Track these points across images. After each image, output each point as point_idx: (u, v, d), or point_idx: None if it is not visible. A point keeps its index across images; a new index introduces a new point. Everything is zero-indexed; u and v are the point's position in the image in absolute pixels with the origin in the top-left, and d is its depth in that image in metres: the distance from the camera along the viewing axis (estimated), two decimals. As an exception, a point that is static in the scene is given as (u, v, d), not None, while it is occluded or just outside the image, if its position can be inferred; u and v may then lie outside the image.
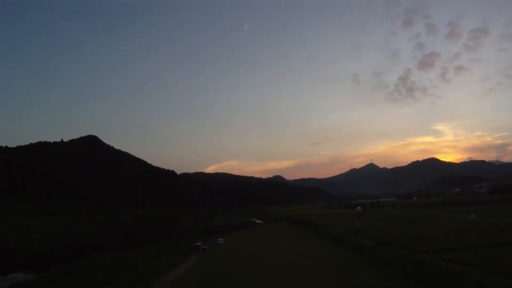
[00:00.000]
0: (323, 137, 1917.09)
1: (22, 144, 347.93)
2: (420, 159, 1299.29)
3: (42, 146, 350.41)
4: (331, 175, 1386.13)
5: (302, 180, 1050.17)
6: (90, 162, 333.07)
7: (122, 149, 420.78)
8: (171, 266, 77.14)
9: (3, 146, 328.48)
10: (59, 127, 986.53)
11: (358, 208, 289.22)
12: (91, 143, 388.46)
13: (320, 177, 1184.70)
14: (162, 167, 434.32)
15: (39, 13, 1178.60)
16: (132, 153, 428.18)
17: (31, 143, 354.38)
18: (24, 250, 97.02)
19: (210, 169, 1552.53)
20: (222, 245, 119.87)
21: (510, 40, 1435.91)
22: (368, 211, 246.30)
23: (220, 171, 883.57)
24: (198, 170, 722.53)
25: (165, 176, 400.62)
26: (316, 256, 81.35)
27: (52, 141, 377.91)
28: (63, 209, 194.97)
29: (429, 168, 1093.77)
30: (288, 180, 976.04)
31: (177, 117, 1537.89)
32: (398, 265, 60.88)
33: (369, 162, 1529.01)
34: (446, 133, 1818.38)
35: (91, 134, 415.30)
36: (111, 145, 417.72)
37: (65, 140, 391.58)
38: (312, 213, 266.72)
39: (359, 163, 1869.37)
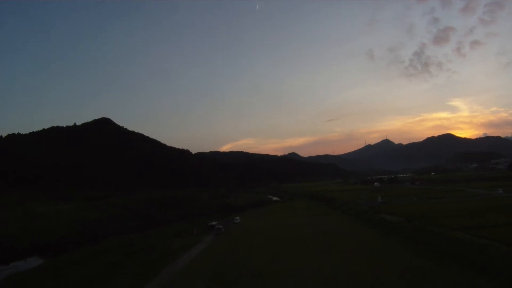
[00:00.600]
0: (338, 113, 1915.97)
1: (35, 130, 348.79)
2: (436, 135, 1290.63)
3: (55, 131, 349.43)
4: (346, 152, 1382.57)
5: (317, 157, 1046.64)
6: (104, 145, 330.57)
7: (136, 131, 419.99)
8: (184, 249, 72.88)
9: (16, 133, 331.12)
10: (72, 111, 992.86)
11: (376, 183, 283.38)
12: (104, 125, 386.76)
13: (335, 154, 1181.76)
14: (177, 147, 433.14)
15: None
16: (146, 134, 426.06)
17: (43, 129, 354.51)
18: (32, 238, 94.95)
19: (226, 148, 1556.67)
20: (239, 224, 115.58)
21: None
22: (387, 187, 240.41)
23: (235, 149, 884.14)
24: (213, 149, 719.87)
25: (180, 156, 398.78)
26: (343, 235, 77.06)
27: (65, 126, 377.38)
28: (77, 194, 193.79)
29: (445, 144, 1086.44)
30: (303, 157, 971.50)
31: (191, 97, 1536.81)
32: (433, 244, 56.79)
33: (384, 138, 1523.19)
34: (461, 108, 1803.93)
35: (104, 116, 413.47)
36: (125, 127, 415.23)
37: (78, 124, 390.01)
38: (330, 189, 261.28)
39: (374, 139, 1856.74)
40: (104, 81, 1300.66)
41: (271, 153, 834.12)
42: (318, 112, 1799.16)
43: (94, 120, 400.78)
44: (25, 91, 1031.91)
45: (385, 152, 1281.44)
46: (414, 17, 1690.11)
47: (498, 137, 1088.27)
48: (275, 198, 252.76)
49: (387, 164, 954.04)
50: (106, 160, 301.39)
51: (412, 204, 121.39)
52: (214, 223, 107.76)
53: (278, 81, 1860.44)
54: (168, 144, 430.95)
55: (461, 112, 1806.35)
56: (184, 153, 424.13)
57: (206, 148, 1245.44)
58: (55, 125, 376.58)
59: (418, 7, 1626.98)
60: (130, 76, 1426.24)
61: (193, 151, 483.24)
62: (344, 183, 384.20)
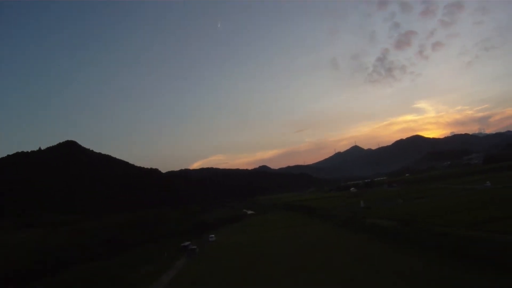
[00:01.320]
0: (307, 123, 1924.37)
1: None
2: (404, 137, 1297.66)
3: (19, 156, 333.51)
4: (316, 161, 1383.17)
5: (288, 168, 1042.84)
6: (70, 169, 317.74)
7: (103, 152, 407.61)
8: (151, 278, 62.68)
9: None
10: (36, 135, 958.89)
11: (352, 189, 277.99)
12: (70, 148, 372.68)
13: (306, 164, 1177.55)
14: (146, 166, 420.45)
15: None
16: (114, 155, 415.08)
17: (8, 155, 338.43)
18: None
19: (196, 165, 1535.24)
20: (215, 242, 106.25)
21: (486, 13, 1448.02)
22: (364, 192, 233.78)
23: (206, 166, 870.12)
24: (184, 167, 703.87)
25: (150, 175, 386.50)
26: (334, 246, 67.69)
27: (29, 151, 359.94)
28: (42, 220, 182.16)
29: (414, 146, 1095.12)
30: (274, 169, 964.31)
31: (157, 116, 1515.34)
32: (447, 246, 48.53)
33: (353, 145, 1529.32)
34: (427, 110, 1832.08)
35: (70, 139, 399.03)
36: (91, 149, 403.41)
37: (43, 148, 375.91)
38: (305, 198, 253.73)
39: (344, 146, 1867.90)
40: (69, 103, 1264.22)
41: (242, 168, 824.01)
42: (286, 124, 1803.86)
43: (59, 143, 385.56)
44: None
45: (355, 158, 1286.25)
46: (375, 24, 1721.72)
47: (466, 134, 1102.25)
48: (250, 212, 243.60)
49: (359, 170, 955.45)
50: (73, 184, 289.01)
51: (399, 206, 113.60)
52: (187, 243, 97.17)
53: (244, 95, 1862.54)
54: (137, 164, 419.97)
55: (427, 113, 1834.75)
56: (153, 172, 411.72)
57: (176, 167, 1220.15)
58: (19, 150, 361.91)
59: (379, 13, 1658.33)
60: (95, 97, 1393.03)
61: (163, 170, 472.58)
62: (318, 191, 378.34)
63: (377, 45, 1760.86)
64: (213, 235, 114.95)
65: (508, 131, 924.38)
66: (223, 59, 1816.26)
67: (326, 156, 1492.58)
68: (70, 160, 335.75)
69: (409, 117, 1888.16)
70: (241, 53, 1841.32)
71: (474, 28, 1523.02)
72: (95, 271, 76.67)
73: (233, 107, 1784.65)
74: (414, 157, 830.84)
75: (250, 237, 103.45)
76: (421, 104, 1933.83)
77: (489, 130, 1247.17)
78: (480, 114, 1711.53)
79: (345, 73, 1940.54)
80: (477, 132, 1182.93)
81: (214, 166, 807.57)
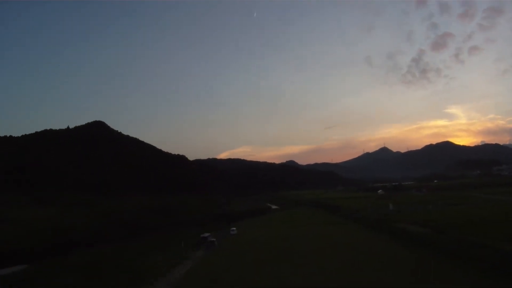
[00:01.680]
0: (336, 121, 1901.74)
1: (28, 133, 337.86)
2: (434, 143, 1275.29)
3: (47, 134, 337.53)
4: (344, 160, 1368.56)
5: (315, 164, 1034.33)
6: (97, 149, 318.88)
7: (131, 135, 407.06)
8: (164, 269, 58.63)
9: (8, 135, 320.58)
10: (66, 114, 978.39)
11: (380, 191, 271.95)
12: (98, 128, 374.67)
13: (333, 162, 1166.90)
14: (174, 153, 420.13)
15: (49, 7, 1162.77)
16: (142, 139, 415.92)
17: (36, 132, 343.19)
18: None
19: (223, 155, 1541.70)
20: (236, 235, 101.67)
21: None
22: (392, 195, 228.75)
23: (233, 157, 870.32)
24: (211, 156, 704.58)
25: (177, 161, 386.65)
26: (363, 250, 63.13)
27: (58, 129, 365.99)
28: (63, 198, 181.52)
29: (443, 152, 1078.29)
30: (302, 165, 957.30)
31: (189, 104, 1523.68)
32: (482, 259, 45.00)
33: (382, 146, 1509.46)
34: (459, 116, 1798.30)
35: (98, 119, 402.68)
36: (119, 131, 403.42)
37: (71, 127, 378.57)
38: (332, 197, 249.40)
39: (372, 147, 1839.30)
40: (100, 84, 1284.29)
41: (269, 161, 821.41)
42: (316, 120, 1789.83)
43: (88, 123, 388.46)
44: (19, 93, 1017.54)
45: (384, 160, 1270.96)
46: (412, 23, 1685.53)
47: (496, 145, 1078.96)
48: (274, 207, 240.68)
49: (386, 172, 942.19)
50: (99, 164, 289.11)
51: (430, 212, 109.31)
52: (206, 234, 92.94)
53: (275, 87, 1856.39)
54: (164, 149, 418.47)
55: (459, 119, 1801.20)
56: (181, 158, 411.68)
57: (204, 155, 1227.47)
58: (48, 128, 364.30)
59: (417, 13, 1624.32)
60: (126, 80, 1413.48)
61: (191, 158, 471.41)
62: (345, 190, 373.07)
63: (413, 45, 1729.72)
64: (234, 228, 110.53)
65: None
66: (256, 49, 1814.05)
67: (354, 156, 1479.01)
68: (97, 140, 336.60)
69: (440, 122, 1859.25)
70: (275, 44, 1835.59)
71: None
72: (104, 256, 74.44)
73: (262, 98, 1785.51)
74: (443, 163, 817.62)
75: (273, 233, 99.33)
76: (453, 110, 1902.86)
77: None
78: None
79: (378, 72, 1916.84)
80: (507, 143, 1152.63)
81: (241, 158, 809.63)
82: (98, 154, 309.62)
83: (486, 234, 60.26)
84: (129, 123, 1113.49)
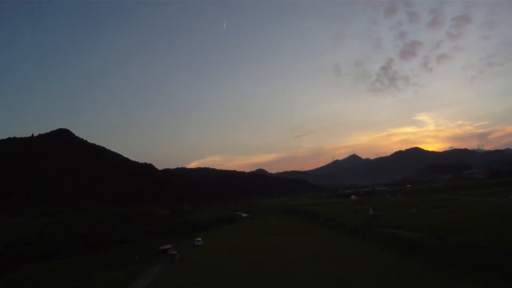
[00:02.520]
0: (306, 129, 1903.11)
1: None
2: (403, 149, 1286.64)
3: (11, 142, 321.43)
4: (313, 167, 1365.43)
5: (285, 172, 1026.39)
6: (61, 158, 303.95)
7: (97, 143, 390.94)
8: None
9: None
10: (30, 121, 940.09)
11: (353, 197, 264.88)
12: (63, 137, 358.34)
13: (303, 170, 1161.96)
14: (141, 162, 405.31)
15: None
16: (109, 148, 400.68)
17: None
18: None
19: (193, 165, 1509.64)
20: (201, 247, 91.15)
21: (493, 27, 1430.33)
22: (366, 200, 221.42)
23: (202, 166, 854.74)
24: (180, 166, 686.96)
25: (144, 170, 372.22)
26: (358, 262, 52.85)
27: (21, 136, 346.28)
28: (23, 209, 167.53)
29: (413, 158, 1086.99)
30: (271, 173, 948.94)
31: (155, 114, 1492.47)
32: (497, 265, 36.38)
33: (351, 154, 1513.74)
34: (427, 123, 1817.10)
35: (64, 127, 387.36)
36: (85, 139, 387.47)
37: (35, 134, 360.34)
38: (304, 203, 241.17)
39: (342, 154, 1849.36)
40: (67, 92, 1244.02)
41: (239, 170, 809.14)
42: (285, 128, 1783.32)
43: (52, 131, 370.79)
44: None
45: (354, 167, 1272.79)
46: (381, 32, 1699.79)
47: (465, 150, 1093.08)
48: (244, 215, 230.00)
49: (356, 178, 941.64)
50: (64, 174, 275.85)
51: (415, 215, 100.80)
52: (167, 246, 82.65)
53: (244, 96, 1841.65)
54: (132, 159, 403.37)
55: (427, 126, 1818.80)
56: (148, 167, 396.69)
57: (173, 165, 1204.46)
58: (11, 136, 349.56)
59: (386, 21, 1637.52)
60: (95, 88, 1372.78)
61: (159, 168, 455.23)
62: (317, 197, 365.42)
63: (382, 53, 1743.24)
64: (200, 239, 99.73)
65: (508, 149, 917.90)
66: (224, 58, 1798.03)
67: (324, 164, 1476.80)
68: (62, 149, 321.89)
69: (409, 129, 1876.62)
70: (243, 53, 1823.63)
71: (480, 42, 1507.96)
72: (52, 271, 64.12)
73: (231, 107, 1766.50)
74: (412, 168, 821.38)
75: (244, 243, 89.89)
76: (422, 117, 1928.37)
77: (487, 147, 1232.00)
78: (480, 130, 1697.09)
79: (347, 80, 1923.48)
80: (476, 148, 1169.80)
81: (211, 167, 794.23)
82: (64, 163, 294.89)
83: (491, 237, 51.84)
84: (97, 132, 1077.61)
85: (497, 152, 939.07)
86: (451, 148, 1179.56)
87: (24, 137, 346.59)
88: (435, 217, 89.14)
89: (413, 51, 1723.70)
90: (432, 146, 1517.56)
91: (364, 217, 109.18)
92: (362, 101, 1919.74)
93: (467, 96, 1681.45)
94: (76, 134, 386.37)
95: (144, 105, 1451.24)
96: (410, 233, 65.88)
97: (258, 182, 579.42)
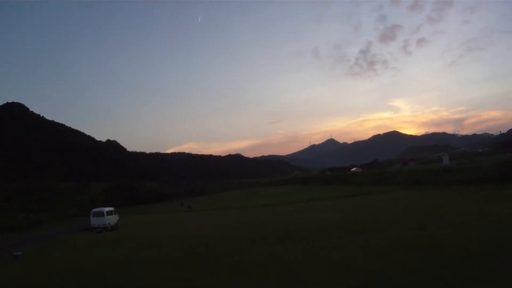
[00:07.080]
0: (282, 115, 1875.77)
1: None
2: (381, 133, 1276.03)
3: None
4: (290, 152, 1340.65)
5: (263, 157, 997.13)
6: (12, 134, 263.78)
7: (57, 120, 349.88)
8: None
9: None
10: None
11: (355, 169, 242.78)
12: (14, 111, 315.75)
13: (280, 154, 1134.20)
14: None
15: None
16: (69, 124, 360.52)
17: None
18: None
19: (168, 151, 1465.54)
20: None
21: (474, 12, 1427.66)
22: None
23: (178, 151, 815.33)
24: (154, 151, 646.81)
25: (109, 149, 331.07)
26: None
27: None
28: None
29: (391, 141, 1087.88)
30: (249, 158, 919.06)
31: (130, 102, 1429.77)
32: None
33: (328, 138, 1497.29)
34: (403, 108, 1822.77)
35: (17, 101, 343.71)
36: (42, 115, 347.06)
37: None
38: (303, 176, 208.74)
39: (318, 140, 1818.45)
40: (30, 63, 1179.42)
41: (215, 154, 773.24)
42: (260, 114, 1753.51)
43: (3, 104, 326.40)
44: None
45: (331, 151, 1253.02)
46: (361, 15, 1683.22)
47: (443, 133, 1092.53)
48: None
49: (335, 162, 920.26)
50: (13, 151, 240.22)
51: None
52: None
53: (220, 82, 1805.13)
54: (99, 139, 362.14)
55: (403, 112, 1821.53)
56: (112, 145, 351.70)
57: (147, 150, 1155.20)
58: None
59: (367, 4, 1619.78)
60: (68, 72, 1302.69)
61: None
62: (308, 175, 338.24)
63: (362, 36, 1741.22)
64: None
65: (485, 133, 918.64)
66: (201, 43, 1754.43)
67: (301, 148, 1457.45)
68: (12, 124, 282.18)
69: (384, 114, 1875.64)
70: (218, 38, 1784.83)
71: (461, 27, 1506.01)
72: None
73: (206, 94, 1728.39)
74: (392, 151, 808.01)
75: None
76: (398, 102, 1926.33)
77: (463, 132, 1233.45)
78: (456, 116, 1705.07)
79: (326, 63, 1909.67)
80: (451, 133, 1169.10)
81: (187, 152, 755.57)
82: (12, 139, 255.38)
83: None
84: (59, 110, 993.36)
85: (474, 136, 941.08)
86: (428, 133, 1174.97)
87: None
88: None
89: (392, 34, 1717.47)
90: (409, 131, 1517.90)
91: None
92: (339, 86, 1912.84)
93: (445, 81, 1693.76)
94: (31, 109, 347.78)
95: (116, 94, 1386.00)
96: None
97: (239, 164, 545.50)
